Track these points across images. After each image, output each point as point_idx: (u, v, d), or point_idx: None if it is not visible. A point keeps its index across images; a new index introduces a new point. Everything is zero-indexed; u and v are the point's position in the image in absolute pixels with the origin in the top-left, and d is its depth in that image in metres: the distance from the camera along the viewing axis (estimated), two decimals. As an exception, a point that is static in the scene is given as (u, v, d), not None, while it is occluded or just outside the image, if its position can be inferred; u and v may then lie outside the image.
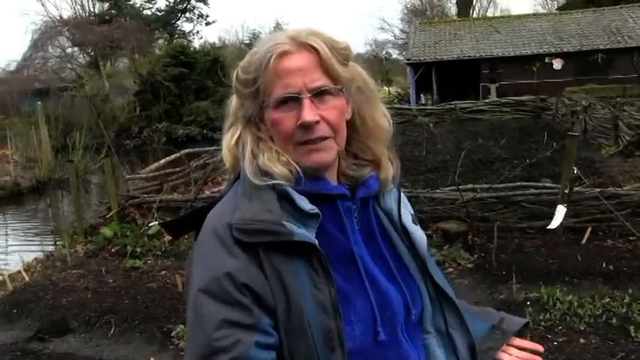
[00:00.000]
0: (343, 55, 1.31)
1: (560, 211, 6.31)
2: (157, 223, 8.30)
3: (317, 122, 1.26)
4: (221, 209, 1.30)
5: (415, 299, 1.36)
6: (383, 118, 1.41)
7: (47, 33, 37.17)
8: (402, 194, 1.48)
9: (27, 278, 7.34)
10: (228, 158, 1.36)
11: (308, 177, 1.28)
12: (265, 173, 1.26)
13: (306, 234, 1.21)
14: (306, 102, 1.25)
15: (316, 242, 1.21)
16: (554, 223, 6.43)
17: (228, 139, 1.37)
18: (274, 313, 1.19)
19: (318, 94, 1.26)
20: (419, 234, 1.43)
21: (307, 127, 1.25)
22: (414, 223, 1.45)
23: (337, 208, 1.31)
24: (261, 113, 1.32)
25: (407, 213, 1.45)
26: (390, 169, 1.41)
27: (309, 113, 1.24)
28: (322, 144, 1.28)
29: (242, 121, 1.35)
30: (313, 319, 1.19)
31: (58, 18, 39.45)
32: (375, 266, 1.32)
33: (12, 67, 35.52)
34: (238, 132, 1.35)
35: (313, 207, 1.24)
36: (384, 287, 1.30)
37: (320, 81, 1.27)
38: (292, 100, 1.26)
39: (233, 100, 1.38)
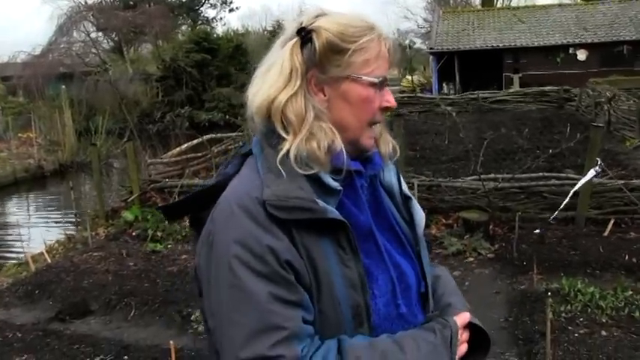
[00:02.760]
0: None
1: (591, 173, 6.17)
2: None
3: None
4: (243, 185, 1.26)
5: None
6: None
7: (72, 18, 37.35)
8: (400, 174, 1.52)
9: (49, 260, 7.41)
10: (263, 112, 1.27)
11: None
12: (309, 159, 1.23)
13: (337, 212, 1.22)
14: (388, 89, 1.34)
15: (345, 220, 1.22)
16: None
17: (276, 86, 1.26)
18: (310, 290, 1.21)
19: None
20: (418, 207, 1.46)
21: (387, 111, 1.34)
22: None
23: (354, 184, 1.31)
24: (330, 82, 1.28)
25: (405, 187, 1.49)
26: (388, 143, 1.42)
27: (393, 99, 1.35)
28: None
29: (304, 82, 1.27)
30: (342, 296, 1.21)
31: (84, 3, 39.66)
32: (386, 241, 1.35)
33: (37, 52, 35.79)
34: (294, 90, 1.26)
35: (337, 184, 1.25)
36: (398, 261, 1.34)
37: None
38: (380, 84, 1.31)
39: (295, 52, 1.28)
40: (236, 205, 1.21)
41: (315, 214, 1.19)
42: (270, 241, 1.17)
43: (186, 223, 8.11)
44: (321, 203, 1.20)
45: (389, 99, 1.33)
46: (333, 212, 1.21)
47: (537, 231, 6.49)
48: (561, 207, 6.21)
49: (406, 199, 1.45)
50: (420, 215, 1.44)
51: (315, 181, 1.23)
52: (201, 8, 49.49)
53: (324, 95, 1.29)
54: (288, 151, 1.22)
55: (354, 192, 1.31)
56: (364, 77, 1.28)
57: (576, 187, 6.18)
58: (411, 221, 1.43)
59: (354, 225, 1.26)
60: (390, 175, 1.45)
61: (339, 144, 1.25)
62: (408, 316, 1.32)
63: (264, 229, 1.18)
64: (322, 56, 1.27)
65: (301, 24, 1.29)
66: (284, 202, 1.18)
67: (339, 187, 1.25)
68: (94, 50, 38.24)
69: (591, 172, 6.16)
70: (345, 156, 1.26)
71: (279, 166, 1.22)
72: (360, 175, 1.33)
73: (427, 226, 7.04)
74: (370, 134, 1.32)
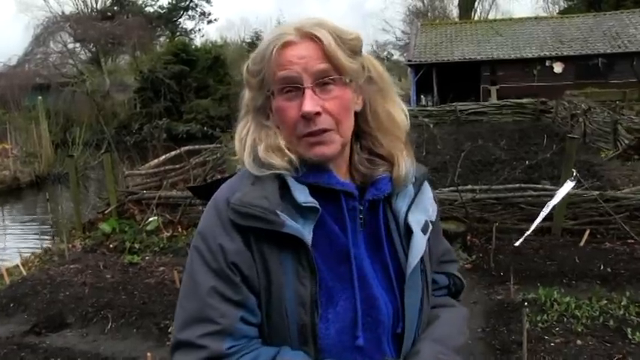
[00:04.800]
0: (351, 45, 1.28)
1: (569, 185, 6.19)
2: (155, 218, 8.31)
3: (318, 114, 1.23)
4: (227, 185, 1.33)
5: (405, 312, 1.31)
6: (399, 112, 1.37)
7: (49, 28, 37.16)
8: (429, 197, 1.44)
9: (24, 272, 7.31)
10: (239, 150, 1.35)
11: (311, 168, 1.27)
12: (263, 164, 1.26)
13: (298, 228, 1.20)
14: (308, 92, 1.23)
15: (306, 238, 1.20)
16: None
17: (240, 129, 1.36)
18: (258, 295, 1.24)
19: (321, 84, 1.24)
20: (419, 242, 1.33)
21: (308, 118, 1.23)
22: (423, 232, 1.35)
23: (340, 205, 1.28)
24: (269, 103, 1.31)
25: (419, 217, 1.37)
26: (405, 167, 1.35)
27: (309, 103, 1.22)
28: (323, 136, 1.24)
29: (252, 112, 1.35)
30: (291, 311, 1.22)
31: (60, 13, 39.42)
32: (372, 271, 1.29)
33: (13, 62, 35.47)
34: (249, 123, 1.35)
35: (310, 200, 1.23)
36: (375, 293, 1.27)
37: (322, 66, 1.24)
38: (296, 90, 1.24)
39: (246, 92, 1.37)
40: (213, 202, 1.30)
41: (270, 226, 1.20)
42: (224, 240, 1.22)
43: (164, 235, 8.12)
44: (282, 216, 1.20)
45: (303, 104, 1.23)
46: (291, 227, 1.20)
47: (517, 243, 6.52)
48: (539, 220, 6.24)
49: (408, 232, 1.34)
50: (414, 252, 1.32)
51: (289, 197, 1.24)
52: (180, 20, 49.55)
53: (273, 114, 1.32)
54: (246, 158, 1.30)
55: (339, 212, 1.28)
56: (270, 91, 1.28)
57: (555, 201, 6.22)
58: (409, 252, 1.33)
59: (330, 244, 1.26)
60: (401, 202, 1.36)
61: (284, 144, 1.27)
62: (369, 351, 1.25)
63: (223, 228, 1.23)
64: (249, 85, 1.35)
65: None
66: (243, 209, 1.21)
67: (310, 204, 1.23)
68: (71, 61, 37.98)
69: (568, 184, 6.21)
70: (301, 167, 1.27)
71: (251, 176, 1.28)
72: (352, 197, 1.29)
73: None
74: (305, 145, 1.26)
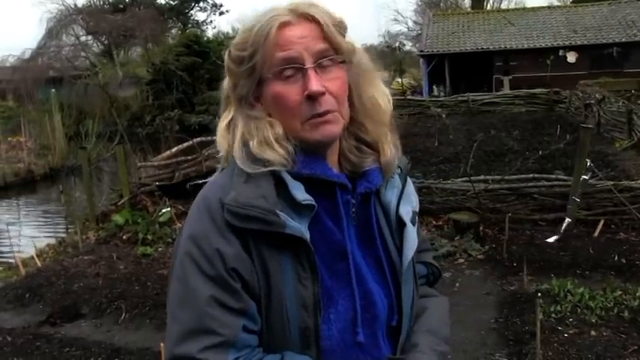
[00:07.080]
0: (340, 27, 1.25)
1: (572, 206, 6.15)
2: (168, 209, 8.33)
3: (322, 94, 1.19)
4: (216, 184, 1.24)
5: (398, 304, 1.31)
6: (383, 97, 1.33)
7: (62, 21, 37.21)
8: (412, 188, 1.41)
9: (39, 263, 7.39)
10: (222, 145, 1.28)
11: (308, 158, 1.22)
12: (256, 159, 1.19)
13: (299, 227, 1.16)
14: (312, 72, 1.18)
15: (307, 237, 1.16)
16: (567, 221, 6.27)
17: (222, 123, 1.30)
18: (259, 301, 1.17)
19: (321, 65, 1.20)
20: (412, 235, 1.33)
21: (314, 98, 1.18)
22: (412, 223, 1.35)
23: (336, 199, 1.24)
24: (258, 91, 1.25)
25: (408, 209, 1.36)
26: (390, 152, 1.32)
27: (315, 83, 1.18)
28: (329, 116, 1.20)
29: (235, 103, 1.28)
30: (292, 315, 1.17)
31: (73, 6, 39.52)
32: (365, 265, 1.27)
33: (26, 55, 35.61)
34: (231, 115, 1.28)
35: (307, 198, 1.18)
36: (371, 288, 1.26)
37: (322, 46, 1.20)
38: (296, 71, 1.19)
39: (224, 83, 1.33)
40: (202, 203, 1.21)
41: (271, 227, 1.14)
42: (221, 244, 1.15)
43: (177, 226, 8.14)
44: (282, 216, 1.15)
45: (308, 84, 1.18)
46: (293, 228, 1.15)
47: (551, 240, 6.48)
48: (573, 209, 6.16)
49: (400, 224, 1.33)
50: (410, 245, 1.31)
51: (285, 190, 1.19)
52: (192, 11, 49.42)
53: (261, 105, 1.26)
54: (237, 154, 1.22)
55: (334, 207, 1.24)
56: (265, 75, 1.21)
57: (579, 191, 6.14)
58: (401, 246, 1.32)
59: (326, 241, 1.22)
60: (391, 194, 1.34)
61: (278, 135, 1.21)
62: (367, 347, 1.24)
63: (218, 231, 1.15)
64: (232, 73, 1.28)
65: None
66: (241, 210, 1.14)
67: (308, 202, 1.18)
68: (83, 54, 38.05)
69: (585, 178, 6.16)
70: (297, 158, 1.20)
71: (243, 173, 1.20)
72: (346, 190, 1.26)
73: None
74: (310, 127, 1.20)
